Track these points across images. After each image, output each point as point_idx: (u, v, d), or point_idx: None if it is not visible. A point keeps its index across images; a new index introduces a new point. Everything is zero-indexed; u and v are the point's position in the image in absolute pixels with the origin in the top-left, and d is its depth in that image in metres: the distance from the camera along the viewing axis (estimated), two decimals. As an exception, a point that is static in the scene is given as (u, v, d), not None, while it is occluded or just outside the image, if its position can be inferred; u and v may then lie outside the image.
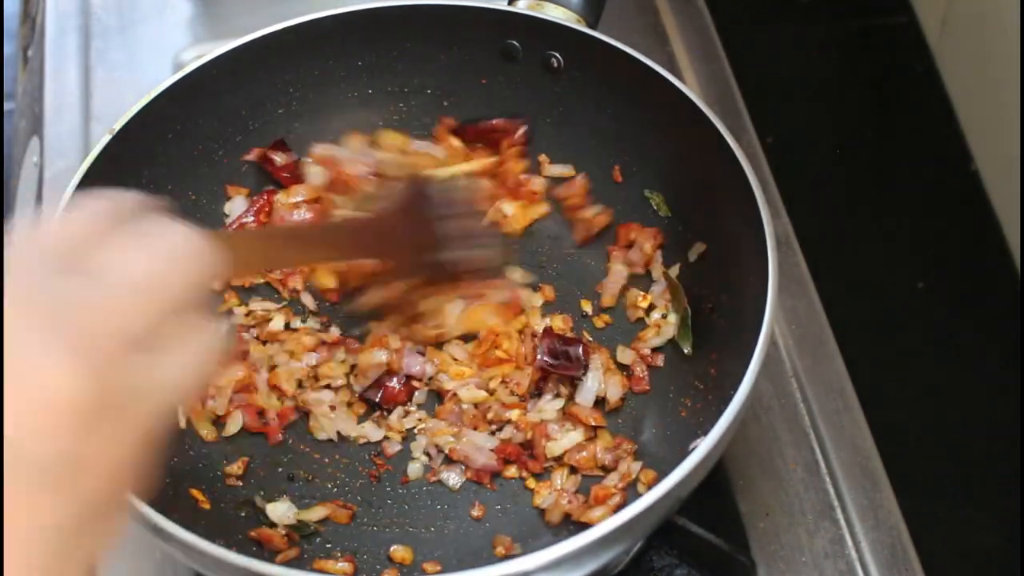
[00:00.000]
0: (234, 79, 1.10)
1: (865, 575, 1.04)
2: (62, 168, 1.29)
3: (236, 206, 1.14)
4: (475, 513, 1.02)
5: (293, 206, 1.14)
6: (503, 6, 1.12)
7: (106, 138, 1.02)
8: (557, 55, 1.12)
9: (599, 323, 1.12)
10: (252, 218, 1.13)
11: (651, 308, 1.10)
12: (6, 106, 1.59)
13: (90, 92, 1.35)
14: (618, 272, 1.12)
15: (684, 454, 0.84)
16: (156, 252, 0.60)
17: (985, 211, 1.34)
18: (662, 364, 1.07)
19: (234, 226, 1.13)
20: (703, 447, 0.83)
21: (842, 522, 1.06)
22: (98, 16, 1.42)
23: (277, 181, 1.15)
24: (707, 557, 1.00)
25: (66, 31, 1.41)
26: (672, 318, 1.08)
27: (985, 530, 1.15)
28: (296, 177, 1.15)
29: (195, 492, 0.99)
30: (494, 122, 1.15)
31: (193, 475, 1.01)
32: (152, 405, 0.57)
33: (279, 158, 1.15)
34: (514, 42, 1.12)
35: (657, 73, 1.06)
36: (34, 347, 0.52)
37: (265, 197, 1.14)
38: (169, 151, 1.09)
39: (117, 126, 1.03)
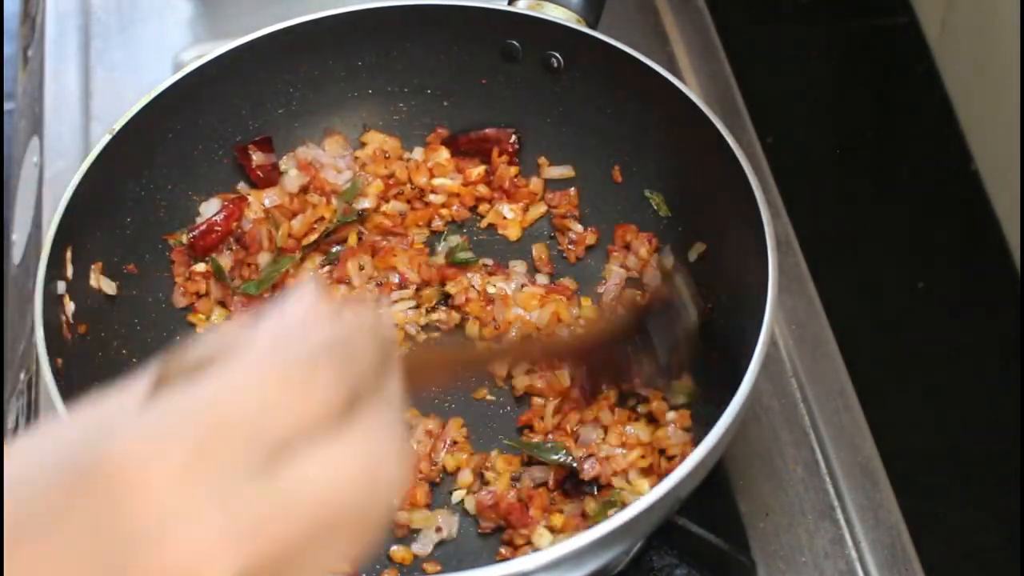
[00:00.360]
0: (234, 79, 1.11)
1: (865, 575, 1.04)
2: (62, 168, 1.29)
3: (210, 207, 1.13)
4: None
5: (265, 211, 1.13)
6: (503, 6, 1.12)
7: (106, 138, 1.02)
8: (557, 55, 1.12)
9: (599, 323, 1.12)
10: (221, 218, 1.11)
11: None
12: (6, 106, 1.59)
13: (90, 92, 1.35)
14: (616, 274, 1.12)
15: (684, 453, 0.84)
16: (358, 464, 0.52)
17: (985, 211, 1.34)
18: (662, 364, 1.07)
19: (202, 227, 1.11)
20: (703, 447, 0.83)
21: (842, 522, 1.06)
22: (98, 16, 1.42)
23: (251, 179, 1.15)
24: (707, 557, 1.00)
25: (66, 31, 1.41)
26: None
27: (985, 530, 1.15)
28: (271, 179, 1.14)
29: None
30: (486, 132, 1.15)
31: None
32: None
33: (257, 156, 1.13)
34: (514, 42, 1.12)
35: (657, 73, 1.06)
36: (193, 530, 0.47)
37: (236, 204, 1.13)
38: (169, 151, 1.09)
39: (117, 126, 1.03)
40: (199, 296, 1.10)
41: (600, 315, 1.10)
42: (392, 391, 0.56)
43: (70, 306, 0.98)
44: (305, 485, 0.50)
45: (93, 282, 1.02)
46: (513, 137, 1.16)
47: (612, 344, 0.97)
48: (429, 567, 0.98)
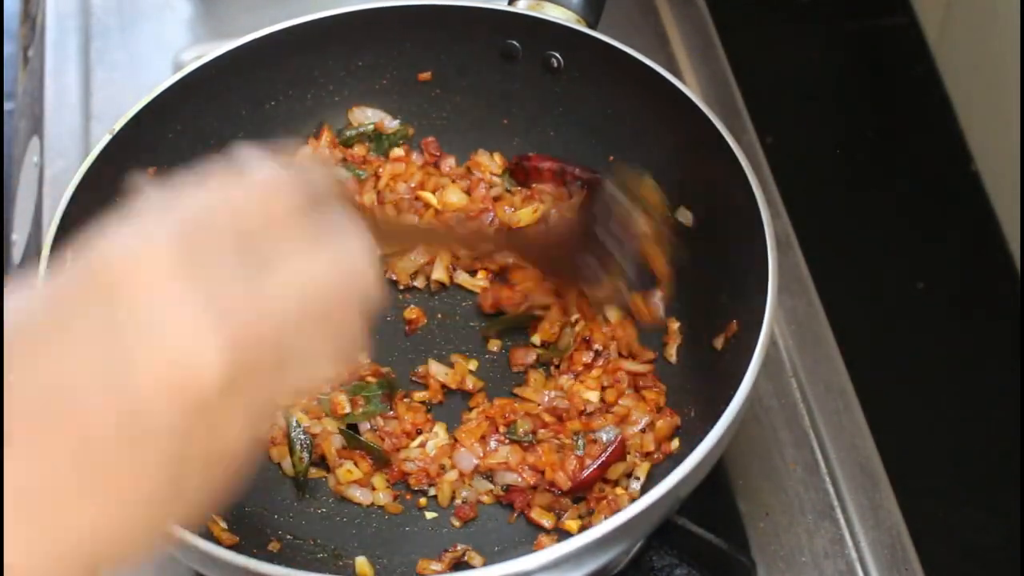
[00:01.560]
0: (234, 79, 1.10)
1: (865, 575, 1.04)
2: (62, 168, 1.29)
3: None
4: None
5: None
6: (503, 6, 1.12)
7: (106, 138, 1.02)
8: (557, 55, 1.12)
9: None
10: None
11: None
12: (6, 106, 1.59)
13: (90, 92, 1.35)
14: None
15: (684, 453, 0.84)
16: (334, 265, 0.57)
17: (985, 211, 1.34)
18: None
19: None
20: (703, 447, 0.83)
21: (842, 522, 1.06)
22: (98, 16, 1.42)
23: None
24: (707, 557, 1.00)
25: (66, 31, 1.41)
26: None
27: (985, 530, 1.15)
28: None
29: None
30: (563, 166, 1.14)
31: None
32: (270, 416, 0.56)
33: None
34: (514, 42, 1.12)
35: (657, 73, 1.06)
36: (184, 319, 0.50)
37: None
38: (169, 151, 1.09)
39: (117, 126, 1.03)
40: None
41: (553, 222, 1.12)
42: (352, 216, 0.61)
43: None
44: (288, 281, 0.55)
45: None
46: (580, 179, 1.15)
47: (570, 247, 0.99)
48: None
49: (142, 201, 0.56)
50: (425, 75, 1.16)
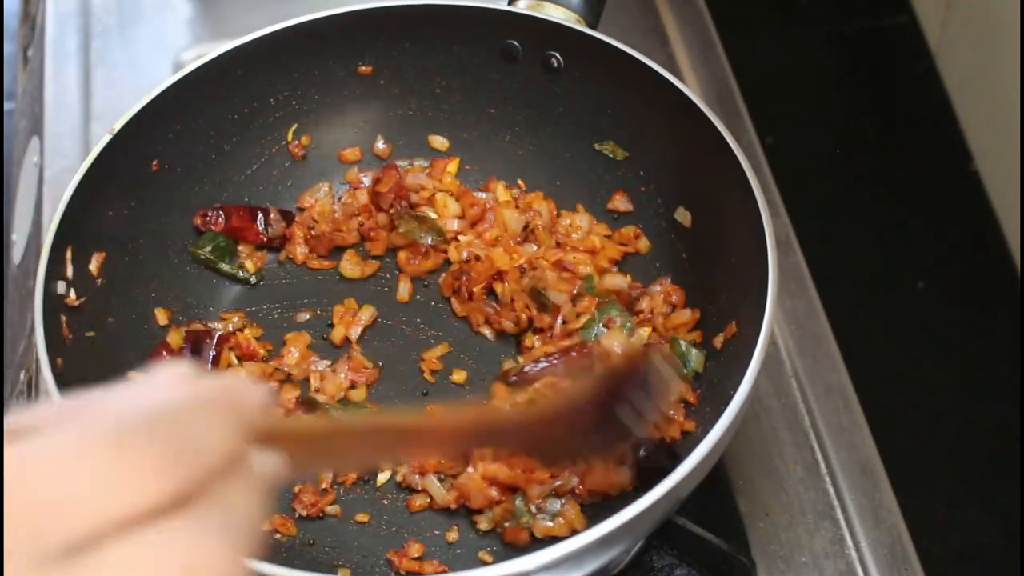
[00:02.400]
0: (234, 79, 1.10)
1: (865, 575, 1.04)
2: (62, 168, 1.29)
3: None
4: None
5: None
6: (503, 6, 1.12)
7: (106, 138, 1.02)
8: (557, 55, 1.12)
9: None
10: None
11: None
12: (6, 106, 1.59)
13: (90, 92, 1.35)
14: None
15: (684, 453, 0.84)
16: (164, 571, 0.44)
17: (985, 211, 1.34)
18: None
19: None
20: (703, 447, 0.83)
21: (842, 522, 1.06)
22: (98, 16, 1.42)
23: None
24: (707, 557, 1.00)
25: (66, 31, 1.41)
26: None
27: (985, 530, 1.15)
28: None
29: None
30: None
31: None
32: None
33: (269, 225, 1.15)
34: (514, 42, 1.12)
35: (657, 73, 1.06)
36: None
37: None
38: (169, 151, 1.09)
39: (117, 126, 1.03)
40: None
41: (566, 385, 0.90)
42: (247, 482, 0.48)
43: (70, 306, 0.98)
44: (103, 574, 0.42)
45: (92, 279, 1.02)
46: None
47: (575, 424, 0.76)
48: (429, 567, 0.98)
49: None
50: (425, 75, 1.16)
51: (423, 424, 0.67)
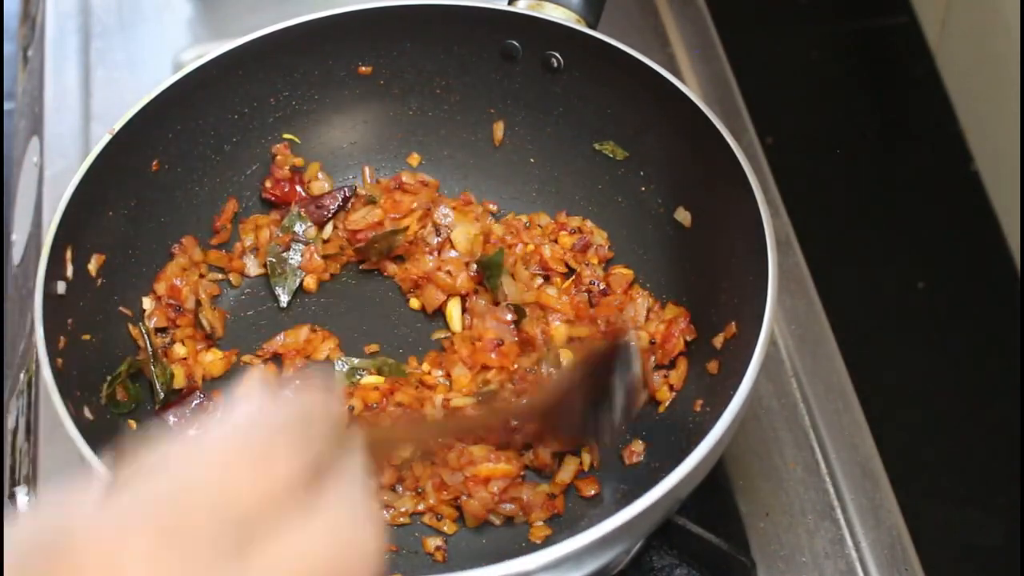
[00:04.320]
0: (234, 79, 1.10)
1: (865, 575, 1.04)
2: (62, 168, 1.29)
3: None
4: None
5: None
6: (503, 6, 1.12)
7: (106, 138, 1.02)
8: (557, 55, 1.12)
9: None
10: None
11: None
12: (6, 106, 1.59)
13: (90, 92, 1.35)
14: None
15: (683, 454, 0.84)
16: (329, 536, 0.52)
17: (985, 211, 1.34)
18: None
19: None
20: (703, 447, 0.83)
21: (842, 522, 1.06)
22: (98, 16, 1.42)
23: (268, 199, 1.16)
24: (707, 557, 1.00)
25: (66, 31, 1.41)
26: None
27: (985, 530, 1.15)
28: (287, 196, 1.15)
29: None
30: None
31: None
32: None
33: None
34: (514, 42, 1.12)
35: (657, 73, 1.06)
36: None
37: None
38: (169, 151, 1.09)
39: (117, 126, 1.03)
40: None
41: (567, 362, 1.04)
42: (354, 466, 0.56)
43: (70, 306, 0.98)
44: (276, 566, 0.50)
45: (92, 280, 1.02)
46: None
47: (576, 397, 0.91)
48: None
49: (125, 468, 0.52)
50: (425, 75, 1.16)
51: (479, 421, 0.92)
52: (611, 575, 1.00)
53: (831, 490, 1.08)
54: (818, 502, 1.07)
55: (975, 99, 1.38)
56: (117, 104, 1.29)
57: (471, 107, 1.17)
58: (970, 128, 1.39)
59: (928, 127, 1.42)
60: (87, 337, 1.00)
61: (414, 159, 1.19)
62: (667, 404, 1.03)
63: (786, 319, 1.18)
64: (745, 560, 1.00)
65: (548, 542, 0.97)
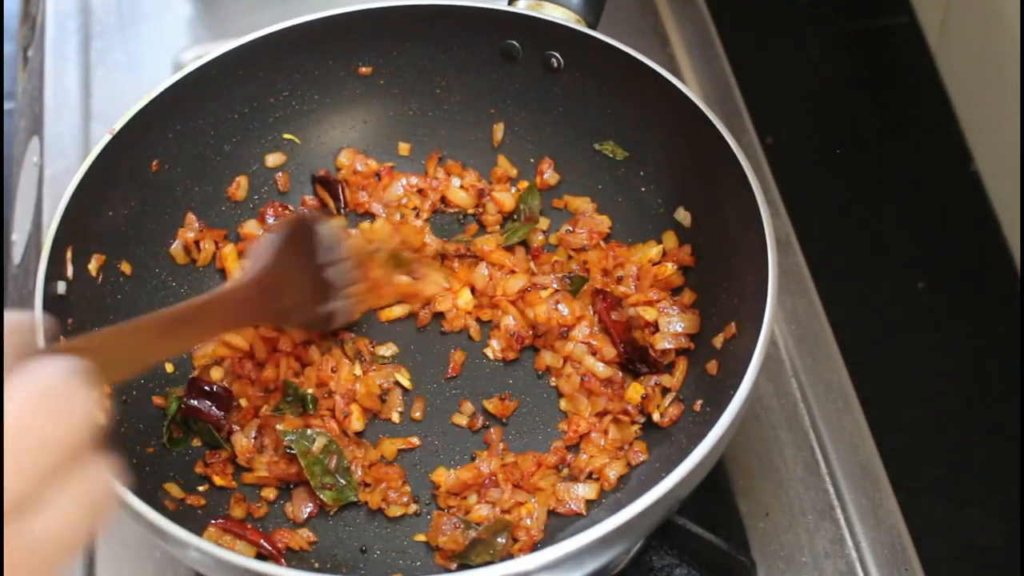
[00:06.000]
0: (234, 79, 1.11)
1: (865, 575, 1.04)
2: (62, 168, 1.29)
3: None
4: None
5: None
6: (503, 6, 1.12)
7: (106, 138, 1.02)
8: (557, 55, 1.12)
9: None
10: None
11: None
12: (6, 106, 1.59)
13: (90, 92, 1.36)
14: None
15: (683, 454, 0.84)
16: (26, 403, 0.53)
17: (985, 211, 1.34)
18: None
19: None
20: (703, 447, 0.83)
21: (842, 522, 1.06)
22: (98, 16, 1.42)
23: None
24: (707, 557, 1.00)
25: (66, 31, 1.41)
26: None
27: (985, 530, 1.15)
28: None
29: (195, 498, 0.99)
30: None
31: (184, 474, 1.01)
32: (36, 570, 0.53)
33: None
34: (514, 42, 1.12)
35: (657, 73, 1.06)
36: None
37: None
38: (169, 151, 1.09)
39: (117, 126, 1.03)
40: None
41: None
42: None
43: (70, 306, 0.98)
44: None
45: (92, 280, 1.02)
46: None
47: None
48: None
49: None
50: (425, 75, 1.16)
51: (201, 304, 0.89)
52: (611, 575, 1.00)
53: (831, 490, 1.08)
54: (818, 502, 1.07)
55: (975, 99, 1.38)
56: (117, 104, 1.29)
57: (471, 107, 1.17)
58: (970, 128, 1.39)
59: (928, 127, 1.42)
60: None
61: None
62: (665, 409, 1.03)
63: (786, 319, 1.18)
64: (745, 560, 1.00)
65: (545, 543, 0.97)
